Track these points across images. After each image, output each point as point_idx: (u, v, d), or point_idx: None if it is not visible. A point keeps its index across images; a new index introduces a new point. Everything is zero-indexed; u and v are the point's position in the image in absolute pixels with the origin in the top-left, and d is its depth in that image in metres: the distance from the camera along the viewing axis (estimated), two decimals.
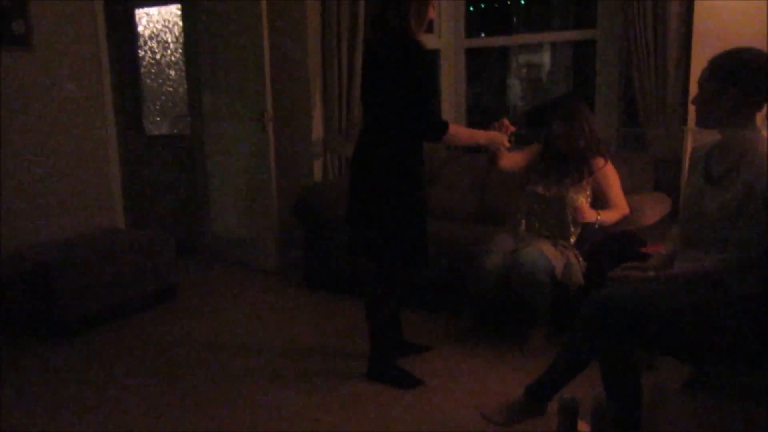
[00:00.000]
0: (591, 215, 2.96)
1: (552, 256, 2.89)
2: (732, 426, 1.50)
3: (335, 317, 3.58)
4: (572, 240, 3.06)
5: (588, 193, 3.09)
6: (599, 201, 3.08)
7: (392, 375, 2.69)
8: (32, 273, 3.27)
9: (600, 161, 3.07)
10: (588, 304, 1.99)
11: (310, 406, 2.60)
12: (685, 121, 3.36)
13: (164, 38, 5.33)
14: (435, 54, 4.46)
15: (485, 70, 5.91)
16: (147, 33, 5.39)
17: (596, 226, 2.98)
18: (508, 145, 2.76)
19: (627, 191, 3.11)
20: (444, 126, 2.52)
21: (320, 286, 3.99)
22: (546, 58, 6.01)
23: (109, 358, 3.11)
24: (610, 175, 3.08)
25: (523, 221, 3.15)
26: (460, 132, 2.68)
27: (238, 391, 2.75)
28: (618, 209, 3.05)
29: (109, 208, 4.06)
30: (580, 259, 2.97)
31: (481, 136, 2.70)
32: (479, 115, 5.19)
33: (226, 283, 4.25)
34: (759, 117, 1.96)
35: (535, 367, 2.28)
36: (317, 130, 4.38)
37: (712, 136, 2.06)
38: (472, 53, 4.71)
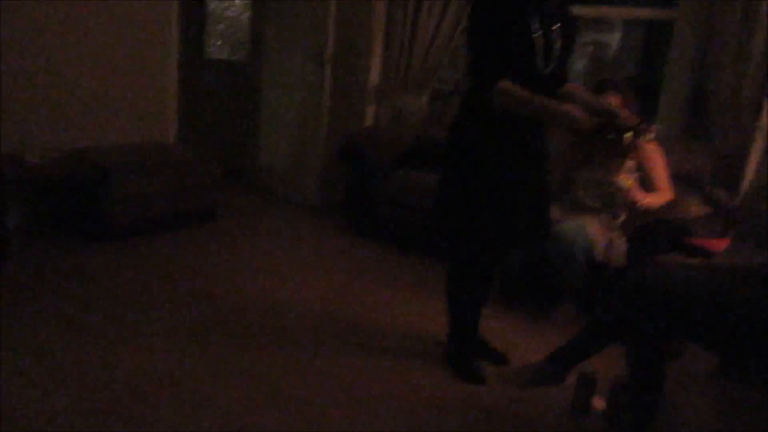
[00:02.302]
0: (638, 196, 2.92)
1: (594, 234, 2.87)
2: (757, 416, 1.50)
3: (369, 261, 3.64)
4: (620, 221, 3.02)
5: (633, 174, 3.03)
6: (644, 184, 3.02)
7: (459, 363, 2.54)
8: (89, 174, 3.38)
9: (646, 143, 2.96)
10: (626, 282, 1.98)
11: (329, 342, 2.67)
12: (757, 117, 3.24)
13: None
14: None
15: None
16: None
17: (642, 209, 2.93)
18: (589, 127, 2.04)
19: (678, 181, 3.05)
20: (491, 79, 2.09)
21: (360, 230, 4.04)
22: (615, 37, 5.81)
23: (146, 267, 3.23)
24: (656, 159, 3.00)
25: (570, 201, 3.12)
26: (518, 93, 2.08)
27: (261, 316, 2.84)
28: (663, 193, 3.00)
29: (163, 124, 4.15)
30: (624, 240, 2.94)
31: (553, 106, 2.07)
32: None
33: (265, 214, 4.34)
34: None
35: (558, 340, 2.30)
36: (374, 77, 4.36)
37: None
38: None
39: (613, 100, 2.67)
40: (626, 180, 2.98)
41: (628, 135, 2.02)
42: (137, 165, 3.50)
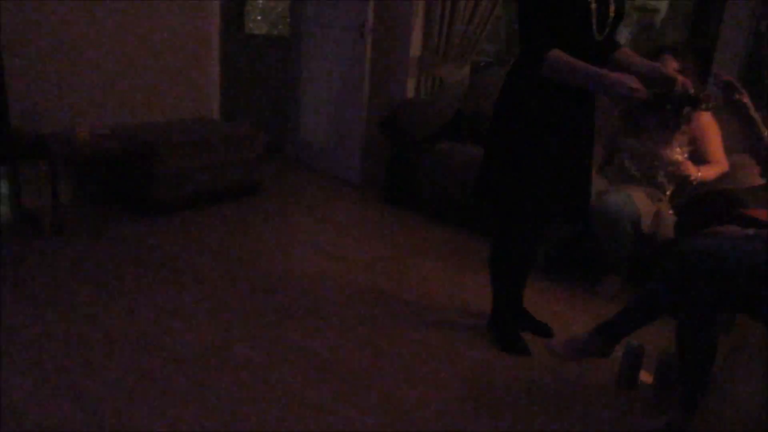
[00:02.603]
0: (691, 170, 2.83)
1: (641, 205, 2.80)
2: None
3: (411, 234, 3.65)
4: (668, 193, 2.94)
5: (685, 146, 2.93)
6: (697, 155, 2.92)
7: (504, 336, 2.52)
8: (136, 150, 3.45)
9: (700, 112, 2.86)
10: (676, 254, 1.93)
11: (371, 318, 2.70)
12: None
13: None
14: None
15: None
16: None
17: (695, 182, 2.85)
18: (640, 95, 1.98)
19: (733, 150, 2.94)
20: (540, 49, 2.07)
21: (401, 204, 4.04)
22: (665, 2, 5.60)
23: (192, 241, 3.31)
24: (710, 129, 2.90)
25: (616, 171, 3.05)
26: (570, 63, 2.04)
27: (305, 288, 2.89)
28: (717, 165, 2.90)
29: (207, 99, 4.21)
30: (671, 212, 2.87)
31: (606, 75, 2.02)
32: None
33: (307, 187, 4.37)
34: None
35: (604, 312, 2.27)
36: (415, 48, 4.31)
37: None
38: None
39: (670, 67, 2.57)
40: (677, 154, 2.89)
41: (686, 106, 1.95)
42: (183, 141, 3.56)
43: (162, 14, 3.81)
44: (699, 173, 2.84)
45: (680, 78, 2.09)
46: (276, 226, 3.60)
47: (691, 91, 2.05)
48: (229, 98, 4.95)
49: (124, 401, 2.00)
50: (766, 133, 2.04)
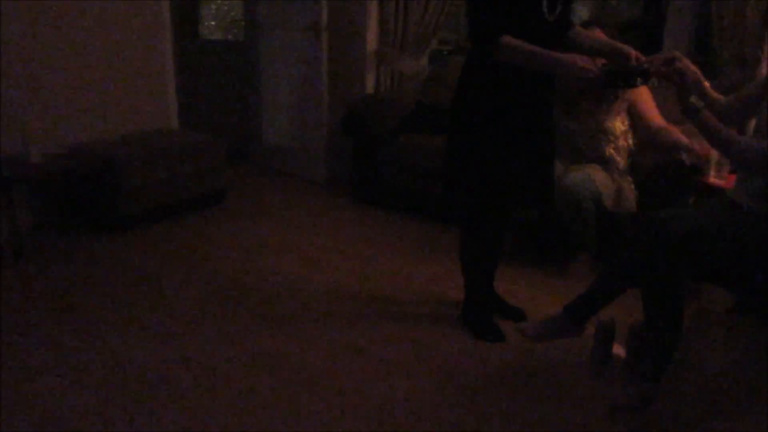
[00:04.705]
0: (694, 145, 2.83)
1: (601, 182, 2.82)
2: None
3: (380, 229, 3.64)
4: (621, 167, 2.96)
5: (624, 117, 2.97)
6: (636, 120, 2.97)
7: (478, 323, 2.53)
8: (96, 167, 3.38)
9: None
10: (638, 227, 1.96)
11: (342, 312, 2.69)
12: (761, 47, 3.17)
13: None
14: None
15: None
16: None
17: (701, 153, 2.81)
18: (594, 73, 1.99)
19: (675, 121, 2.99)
20: (490, 36, 2.06)
21: (368, 200, 4.03)
22: None
23: (158, 254, 3.26)
24: (642, 91, 2.95)
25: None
26: (520, 47, 2.05)
27: (277, 293, 2.86)
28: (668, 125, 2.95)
29: (165, 110, 4.13)
30: (633, 186, 2.90)
31: (557, 57, 2.04)
32: None
33: (274, 191, 4.33)
34: None
35: (576, 291, 2.29)
36: (371, 42, 4.29)
37: None
38: None
39: None
40: (619, 124, 2.94)
41: (638, 80, 1.98)
42: (142, 154, 3.50)
43: (110, 27, 3.73)
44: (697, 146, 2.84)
45: (633, 52, 2.11)
46: (244, 233, 3.56)
47: (644, 65, 2.07)
48: (188, 107, 4.88)
49: (97, 427, 1.96)
50: (716, 97, 2.09)
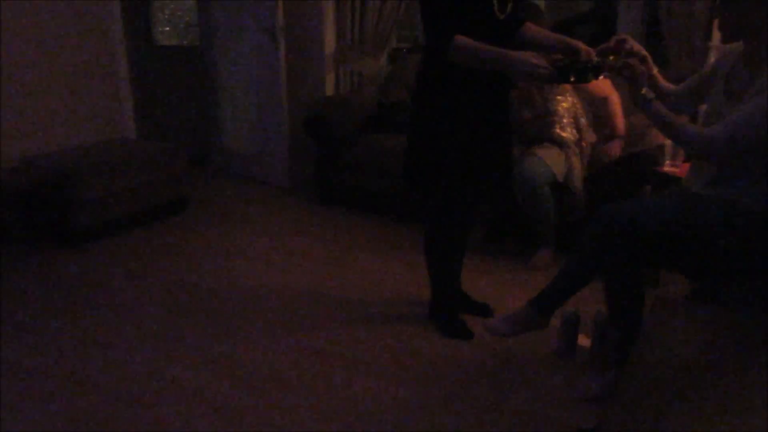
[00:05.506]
0: (612, 151, 3.02)
1: (553, 162, 2.93)
2: (731, 334, 1.53)
3: (345, 231, 3.62)
4: (572, 139, 3.05)
5: (567, 94, 3.06)
6: (602, 120, 3.11)
7: (445, 321, 2.55)
8: (50, 180, 3.29)
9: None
10: (595, 219, 1.98)
11: (314, 316, 2.67)
12: (709, 37, 3.26)
13: None
14: None
15: None
16: None
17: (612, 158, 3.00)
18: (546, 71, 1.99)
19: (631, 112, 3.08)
20: (444, 37, 2.08)
21: (333, 202, 4.01)
22: None
23: (120, 266, 3.19)
24: (613, 95, 3.10)
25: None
26: (474, 47, 2.06)
27: (243, 300, 2.83)
28: (620, 138, 3.10)
29: (120, 119, 4.05)
30: (582, 167, 3.01)
31: (511, 56, 2.03)
32: None
33: (237, 198, 4.28)
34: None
35: (540, 284, 2.32)
36: (329, 43, 4.28)
37: (734, 53, 1.99)
38: None
39: None
40: (562, 103, 3.03)
41: (590, 75, 2.00)
42: (97, 165, 3.42)
43: (59, 36, 3.63)
44: (612, 152, 3.03)
45: (584, 47, 2.14)
46: (208, 241, 3.51)
47: (595, 59, 2.10)
48: (146, 115, 4.79)
49: None
50: (667, 86, 2.14)
